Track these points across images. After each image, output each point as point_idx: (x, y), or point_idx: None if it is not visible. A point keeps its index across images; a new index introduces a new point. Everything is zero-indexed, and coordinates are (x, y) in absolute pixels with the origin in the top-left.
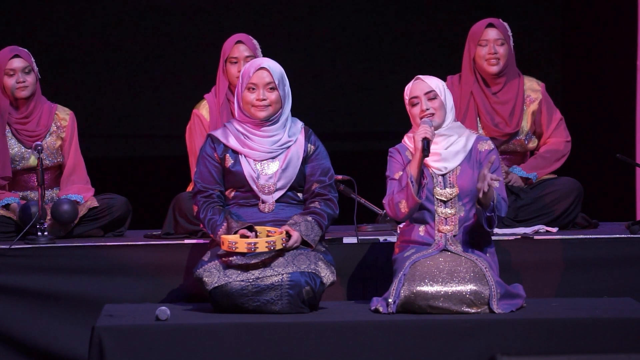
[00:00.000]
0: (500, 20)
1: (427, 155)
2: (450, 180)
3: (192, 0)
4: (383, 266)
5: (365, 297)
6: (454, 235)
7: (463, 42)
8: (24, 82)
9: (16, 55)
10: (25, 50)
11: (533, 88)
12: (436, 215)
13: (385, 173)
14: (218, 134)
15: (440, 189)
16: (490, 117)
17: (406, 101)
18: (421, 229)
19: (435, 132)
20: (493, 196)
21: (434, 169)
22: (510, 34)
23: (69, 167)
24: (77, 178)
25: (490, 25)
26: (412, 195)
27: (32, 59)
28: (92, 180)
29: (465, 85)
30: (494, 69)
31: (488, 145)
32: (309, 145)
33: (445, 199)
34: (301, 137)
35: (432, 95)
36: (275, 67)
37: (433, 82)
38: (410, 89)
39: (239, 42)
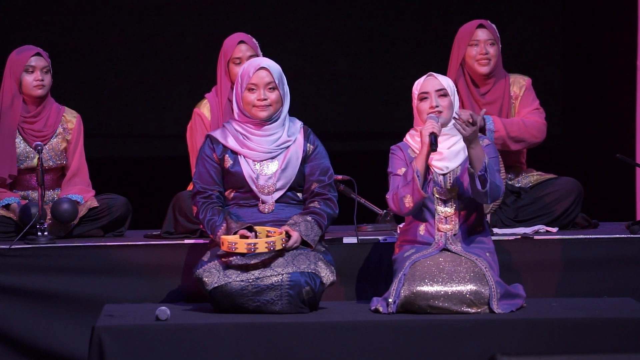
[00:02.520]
0: (489, 21)
1: (435, 150)
2: (450, 180)
3: (192, 0)
4: (383, 266)
5: (365, 297)
6: (454, 235)
7: None
8: (42, 80)
9: (38, 54)
10: (45, 51)
11: (519, 84)
12: (436, 214)
13: (387, 169)
14: (217, 134)
15: (440, 188)
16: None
17: (414, 95)
18: (421, 227)
19: None
20: (483, 153)
21: (435, 168)
22: (498, 35)
23: (72, 169)
24: (79, 180)
25: (481, 25)
26: (418, 190)
27: (50, 61)
28: (92, 180)
29: (458, 84)
30: (485, 70)
31: (484, 142)
32: (308, 144)
33: (445, 198)
34: (300, 137)
35: (442, 93)
36: (274, 67)
37: (444, 81)
38: (421, 84)
39: (241, 42)
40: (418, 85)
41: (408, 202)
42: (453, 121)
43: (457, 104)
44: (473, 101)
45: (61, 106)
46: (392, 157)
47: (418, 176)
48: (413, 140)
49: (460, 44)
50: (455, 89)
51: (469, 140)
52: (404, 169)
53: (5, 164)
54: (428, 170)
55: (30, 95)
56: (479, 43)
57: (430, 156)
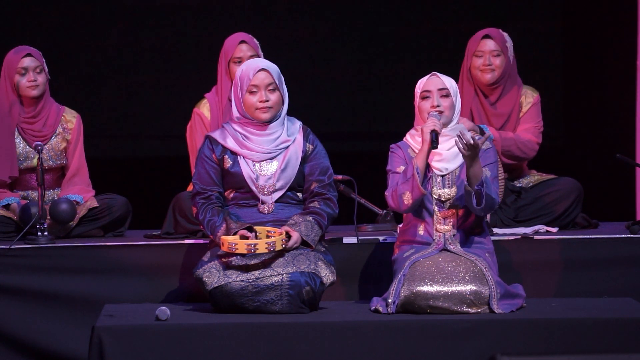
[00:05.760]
0: (500, 30)
1: (436, 147)
2: (449, 181)
3: (192, 0)
4: (383, 266)
5: (365, 297)
6: (453, 235)
7: (462, 44)
8: (34, 81)
9: (28, 54)
10: (37, 50)
11: (526, 98)
12: (434, 215)
13: (386, 167)
14: (216, 135)
15: (439, 189)
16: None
17: (417, 94)
18: (420, 227)
19: None
20: (481, 171)
21: (434, 169)
22: (508, 44)
23: (72, 169)
24: (79, 180)
25: (487, 36)
26: (418, 187)
27: (44, 60)
28: (92, 180)
29: (467, 94)
30: (488, 78)
31: (485, 145)
32: (308, 144)
33: (443, 199)
34: (299, 137)
35: (444, 93)
36: (273, 67)
37: (447, 81)
38: (425, 83)
39: (242, 42)
40: (421, 84)
41: (407, 199)
42: (455, 139)
43: (458, 105)
44: (482, 111)
45: (61, 106)
46: (392, 156)
47: (418, 173)
48: (413, 140)
49: (467, 54)
50: (458, 91)
51: (468, 159)
52: (402, 168)
53: (5, 166)
54: (428, 168)
55: (26, 96)
56: (483, 54)
57: (430, 156)
